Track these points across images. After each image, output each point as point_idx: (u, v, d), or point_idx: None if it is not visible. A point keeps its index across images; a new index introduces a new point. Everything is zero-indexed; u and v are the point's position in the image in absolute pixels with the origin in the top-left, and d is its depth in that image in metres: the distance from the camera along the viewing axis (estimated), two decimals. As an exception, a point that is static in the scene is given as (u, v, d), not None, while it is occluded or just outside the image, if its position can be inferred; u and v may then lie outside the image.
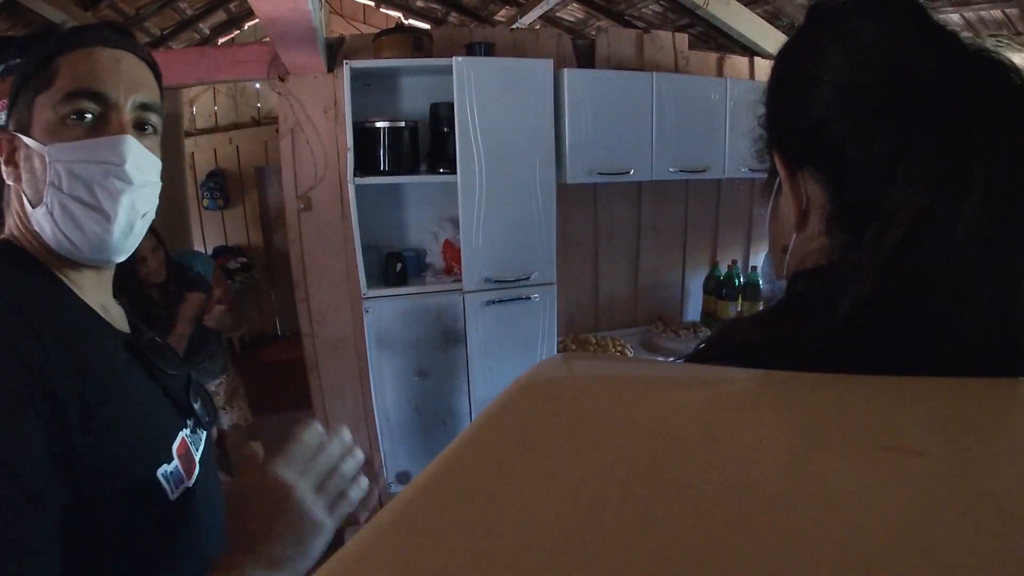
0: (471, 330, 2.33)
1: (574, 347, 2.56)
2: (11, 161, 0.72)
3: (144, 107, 0.74)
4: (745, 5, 3.10)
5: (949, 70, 0.42)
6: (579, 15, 4.08)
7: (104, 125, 0.71)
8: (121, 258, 0.75)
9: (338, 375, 2.80)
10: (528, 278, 2.35)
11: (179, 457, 0.73)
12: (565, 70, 2.33)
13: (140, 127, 0.75)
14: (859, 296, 0.42)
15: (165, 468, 0.69)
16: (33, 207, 0.71)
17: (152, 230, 2.29)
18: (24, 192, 0.71)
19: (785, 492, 0.25)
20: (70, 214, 0.70)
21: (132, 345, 0.75)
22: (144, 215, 0.76)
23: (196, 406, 0.80)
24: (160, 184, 0.78)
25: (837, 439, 0.29)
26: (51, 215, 0.70)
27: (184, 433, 0.76)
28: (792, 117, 0.51)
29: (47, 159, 0.69)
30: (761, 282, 2.70)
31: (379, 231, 2.51)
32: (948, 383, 0.38)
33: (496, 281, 2.32)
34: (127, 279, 2.24)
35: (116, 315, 0.79)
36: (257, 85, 5.00)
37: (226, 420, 2.59)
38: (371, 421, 2.58)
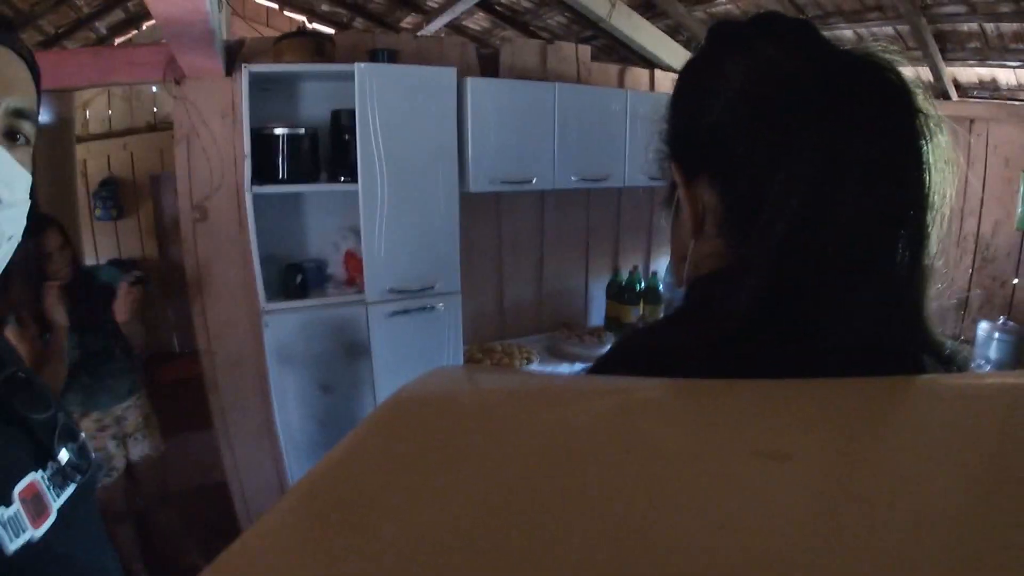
0: (375, 342, 2.28)
1: (480, 355, 2.55)
2: None
3: (17, 114, 0.65)
4: (647, 19, 3.20)
5: (831, 75, 0.45)
6: (484, 24, 4.11)
7: None
8: None
9: (239, 392, 2.67)
10: (432, 288, 2.33)
11: (24, 500, 0.63)
12: (469, 79, 2.33)
13: (11, 136, 0.65)
14: (751, 295, 0.44)
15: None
16: None
17: (59, 226, 2.18)
18: None
19: (656, 502, 0.25)
20: None
21: None
22: (10, 238, 0.67)
23: (62, 453, 0.71)
24: (29, 203, 0.68)
25: (714, 448, 0.30)
26: None
27: (37, 476, 0.67)
28: (689, 127, 0.53)
29: None
30: (662, 288, 2.79)
31: (278, 242, 2.42)
32: (830, 384, 0.38)
33: (400, 291, 2.28)
34: (31, 278, 2.08)
35: None
36: (154, 88, 4.75)
37: (137, 451, 2.39)
38: (275, 439, 2.48)
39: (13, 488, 0.63)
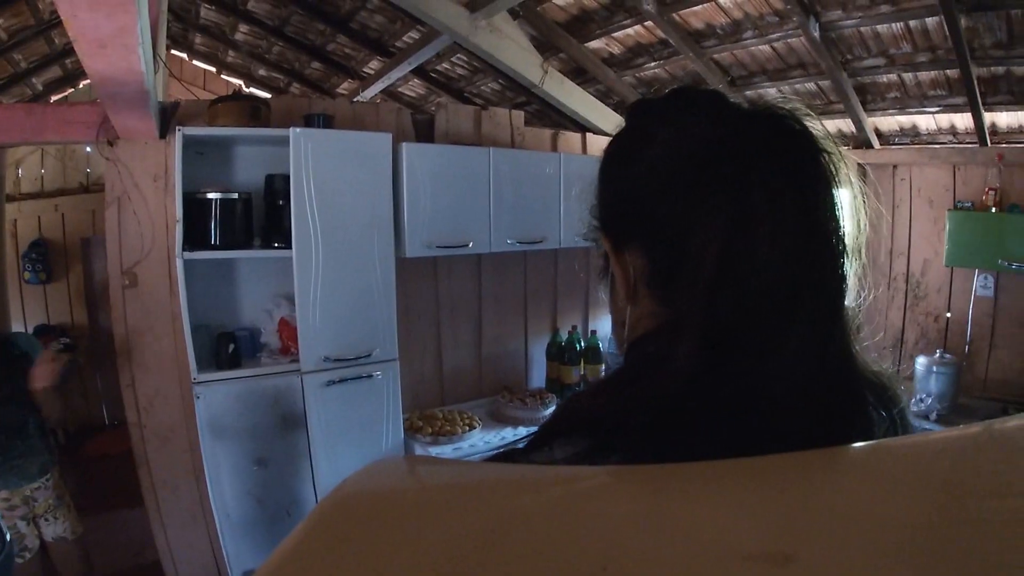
0: (312, 413, 2.21)
1: (420, 423, 2.50)
2: None
3: None
4: (578, 84, 3.32)
5: (735, 133, 0.47)
6: (420, 91, 4.21)
7: None
8: None
9: (170, 468, 2.54)
10: (369, 355, 2.29)
11: None
12: (404, 144, 2.36)
13: None
14: (684, 350, 0.44)
15: None
16: None
17: None
18: None
19: None
20: None
21: None
22: None
23: None
24: None
25: (697, 551, 0.27)
26: None
27: None
28: (614, 199, 0.55)
29: None
30: (602, 346, 2.80)
31: (210, 309, 2.35)
32: (792, 460, 0.37)
33: (336, 360, 2.23)
34: None
35: None
36: (87, 148, 4.65)
37: (50, 532, 2.23)
38: (209, 517, 2.37)
39: None
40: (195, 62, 5.42)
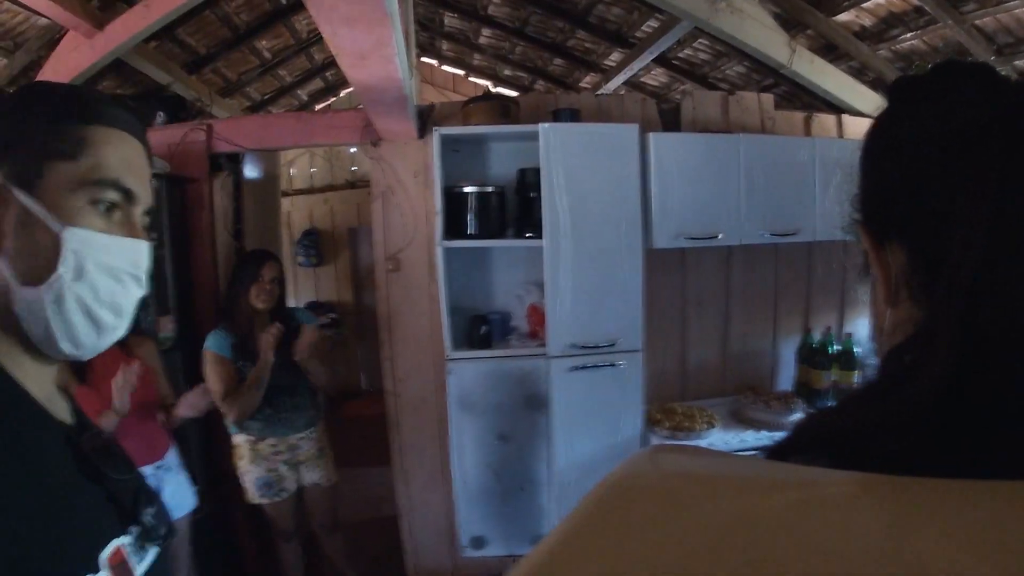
0: (555, 396, 2.30)
1: (659, 416, 2.47)
2: None
3: (148, 212, 0.70)
4: (829, 62, 3.04)
5: (1005, 110, 0.42)
6: (663, 79, 4.12)
7: (123, 224, 0.66)
8: (87, 358, 0.68)
9: (418, 434, 2.82)
10: (614, 344, 2.31)
11: (111, 567, 0.61)
12: (651, 134, 2.34)
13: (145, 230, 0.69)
14: (940, 363, 0.40)
15: None
16: (21, 284, 0.61)
17: (278, 262, 2.43)
18: (9, 261, 0.61)
19: None
20: (73, 310, 0.63)
21: (71, 441, 0.65)
22: (129, 312, 0.70)
23: (144, 514, 0.69)
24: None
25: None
26: (50, 303, 0.61)
27: (123, 542, 0.65)
28: (874, 188, 0.52)
29: (64, 242, 0.61)
30: (858, 351, 2.54)
31: (465, 293, 2.56)
32: None
33: (581, 347, 2.29)
34: (238, 301, 2.35)
35: (60, 406, 0.69)
36: (352, 149, 5.28)
37: (308, 478, 2.57)
38: (448, 482, 2.57)
39: (100, 554, 0.61)
40: (444, 67, 5.88)
